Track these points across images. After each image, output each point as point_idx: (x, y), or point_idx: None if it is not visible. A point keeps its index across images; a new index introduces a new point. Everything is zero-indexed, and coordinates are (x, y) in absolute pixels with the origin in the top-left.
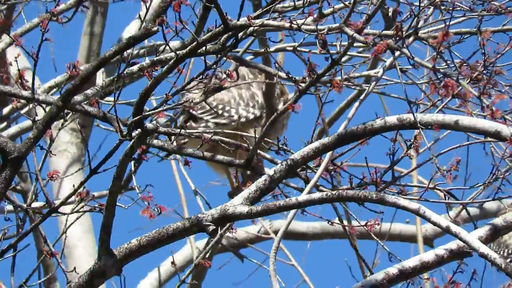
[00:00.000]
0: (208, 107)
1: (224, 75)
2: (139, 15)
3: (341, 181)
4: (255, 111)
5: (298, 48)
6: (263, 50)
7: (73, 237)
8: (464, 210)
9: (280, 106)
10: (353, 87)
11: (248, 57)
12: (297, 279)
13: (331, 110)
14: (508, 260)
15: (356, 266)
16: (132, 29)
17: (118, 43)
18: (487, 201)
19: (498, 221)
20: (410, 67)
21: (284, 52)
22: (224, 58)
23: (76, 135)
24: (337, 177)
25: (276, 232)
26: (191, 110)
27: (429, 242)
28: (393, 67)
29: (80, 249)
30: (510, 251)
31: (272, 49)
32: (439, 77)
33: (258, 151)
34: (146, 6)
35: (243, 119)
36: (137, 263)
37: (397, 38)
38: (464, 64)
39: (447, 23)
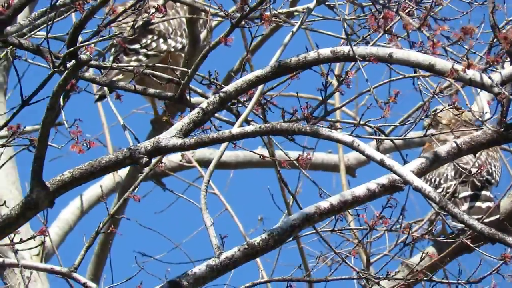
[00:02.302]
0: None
1: (154, 10)
2: None
3: (271, 116)
4: (183, 40)
5: None
6: None
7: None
8: (389, 141)
9: (204, 34)
10: (281, 23)
11: None
12: (220, 208)
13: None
14: (440, 190)
15: (278, 194)
16: None
17: None
18: (417, 138)
19: (430, 155)
20: (341, 3)
21: None
22: None
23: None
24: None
25: (198, 161)
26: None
27: (351, 171)
28: (322, 2)
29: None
30: (442, 181)
31: None
32: (378, 8)
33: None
34: None
35: (172, 49)
36: None
37: None
38: None
39: None
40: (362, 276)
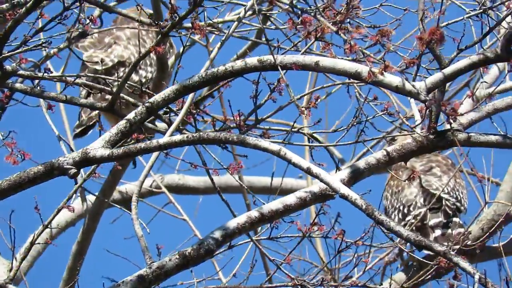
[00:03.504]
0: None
1: (88, 21)
2: None
3: (206, 127)
4: (152, 69)
5: None
6: None
7: None
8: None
9: (171, 60)
10: (216, 32)
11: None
12: (188, 233)
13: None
14: (410, 217)
15: None
16: None
17: None
18: (349, 143)
19: (360, 163)
20: (274, 12)
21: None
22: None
23: None
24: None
25: (167, 187)
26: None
27: None
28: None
29: None
30: (412, 208)
31: None
32: (296, 13)
33: (122, 94)
34: None
35: (143, 79)
36: (29, 217)
37: None
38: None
39: None
40: (297, 283)
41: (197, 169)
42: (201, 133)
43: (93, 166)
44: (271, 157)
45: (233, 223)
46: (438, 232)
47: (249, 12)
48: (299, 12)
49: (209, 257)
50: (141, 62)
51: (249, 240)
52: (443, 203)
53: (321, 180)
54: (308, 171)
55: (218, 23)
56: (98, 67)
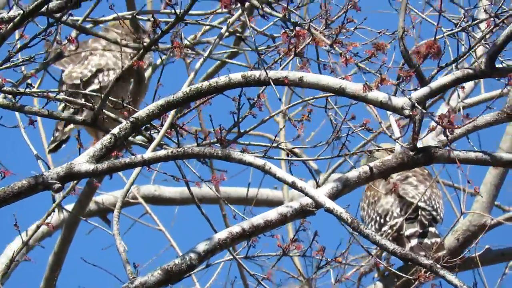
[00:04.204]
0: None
1: (66, 41)
2: None
3: (186, 141)
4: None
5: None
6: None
7: None
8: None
9: (148, 72)
10: (193, 56)
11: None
12: (164, 243)
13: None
14: (386, 227)
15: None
16: None
17: None
18: (329, 158)
19: (342, 179)
20: (248, 35)
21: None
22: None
23: None
24: (183, 136)
25: (144, 197)
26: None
27: None
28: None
29: None
30: (388, 218)
31: (110, 17)
32: (290, 27)
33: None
34: None
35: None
36: (4, 227)
37: None
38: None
39: None
40: None
41: (179, 181)
42: (185, 148)
43: (72, 183)
44: (247, 168)
45: (214, 238)
46: (414, 242)
47: (226, 34)
48: (291, 26)
49: (191, 272)
50: (111, 65)
51: (230, 258)
52: (419, 213)
53: (306, 194)
54: (293, 185)
55: (194, 44)
56: (77, 82)
